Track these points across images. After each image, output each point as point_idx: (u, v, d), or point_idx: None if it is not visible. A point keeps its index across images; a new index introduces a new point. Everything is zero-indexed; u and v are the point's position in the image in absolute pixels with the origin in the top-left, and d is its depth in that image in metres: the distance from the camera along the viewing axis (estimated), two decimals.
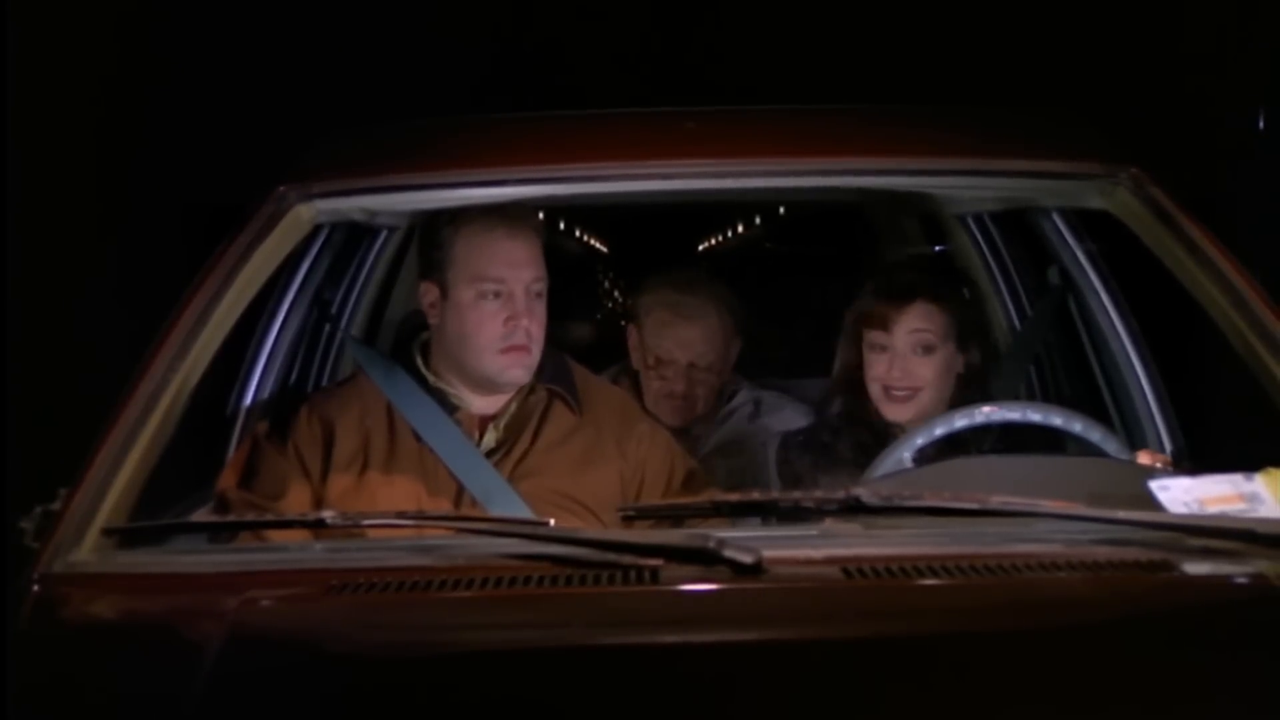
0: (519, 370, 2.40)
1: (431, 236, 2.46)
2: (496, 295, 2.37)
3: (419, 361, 2.48)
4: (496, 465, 2.37)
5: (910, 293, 2.56)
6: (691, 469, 2.56)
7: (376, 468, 2.36)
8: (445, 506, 2.32)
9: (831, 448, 2.60)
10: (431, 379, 2.45)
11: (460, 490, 2.34)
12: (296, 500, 2.33)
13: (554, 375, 2.49)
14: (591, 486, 2.40)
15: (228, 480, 2.38)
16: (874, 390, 2.57)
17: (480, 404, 2.44)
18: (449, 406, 2.42)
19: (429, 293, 2.45)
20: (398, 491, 2.33)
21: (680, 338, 3.08)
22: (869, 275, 2.75)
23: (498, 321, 2.37)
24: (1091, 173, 2.27)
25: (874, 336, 2.57)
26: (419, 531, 1.91)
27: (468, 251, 2.39)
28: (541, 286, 2.42)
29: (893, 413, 2.54)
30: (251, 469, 2.38)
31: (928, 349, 2.54)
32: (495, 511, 2.27)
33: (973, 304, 2.66)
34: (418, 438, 2.38)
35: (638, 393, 3.12)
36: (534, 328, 2.39)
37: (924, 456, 2.35)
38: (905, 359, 2.54)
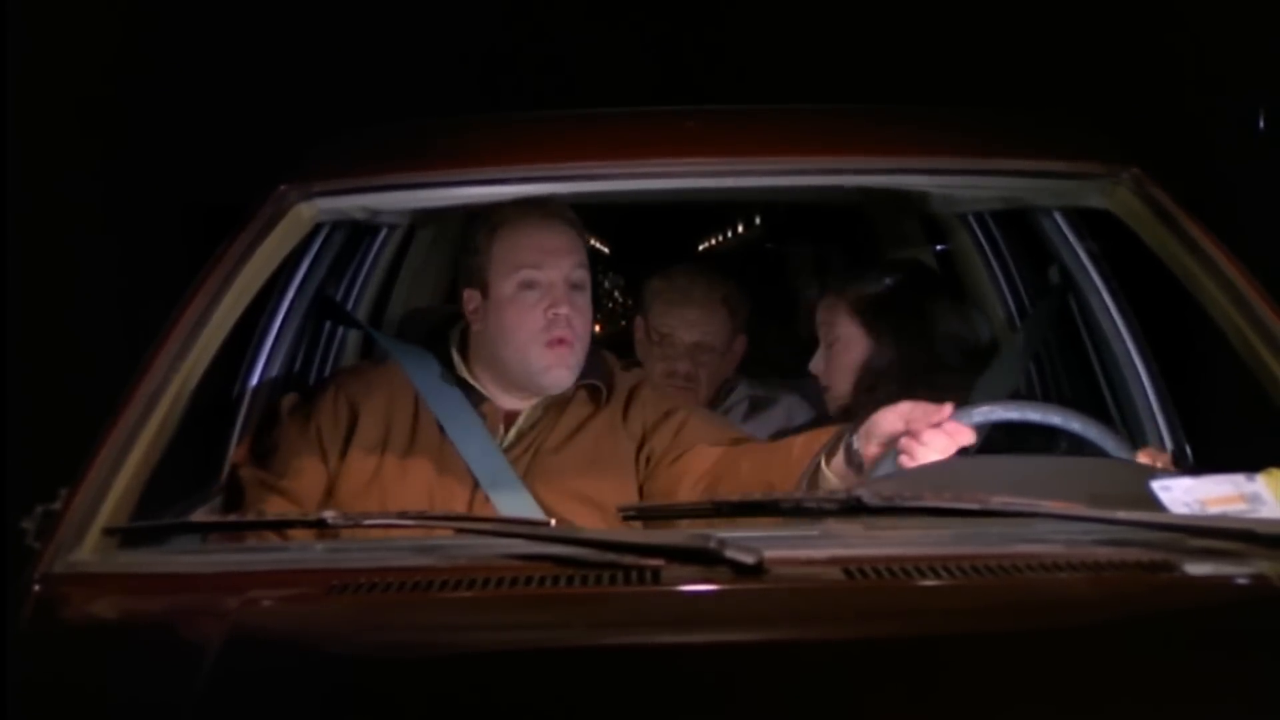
0: (562, 371, 2.36)
1: (469, 243, 2.44)
2: (534, 285, 2.35)
3: (454, 353, 2.46)
4: (515, 461, 2.36)
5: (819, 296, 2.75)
6: (689, 411, 2.50)
7: (395, 457, 2.35)
8: (457, 501, 2.31)
9: None
10: (462, 371, 2.43)
11: (474, 485, 2.33)
12: (309, 482, 2.32)
13: (588, 369, 2.44)
14: (609, 484, 2.37)
15: (242, 455, 2.38)
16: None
17: (508, 400, 2.43)
18: (476, 399, 2.41)
19: (471, 299, 2.42)
20: (411, 482, 2.33)
21: (686, 317, 3.13)
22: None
23: (538, 312, 2.34)
24: (1092, 172, 2.27)
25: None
26: (420, 531, 1.91)
27: (504, 248, 2.37)
28: (581, 276, 2.38)
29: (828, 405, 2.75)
30: (271, 444, 2.37)
31: (829, 343, 2.70)
32: (504, 509, 2.26)
33: (890, 299, 2.72)
34: (441, 431, 2.37)
35: None
36: (577, 320, 2.36)
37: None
38: (819, 355, 2.73)
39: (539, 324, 2.34)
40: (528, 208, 2.38)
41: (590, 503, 2.34)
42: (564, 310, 2.34)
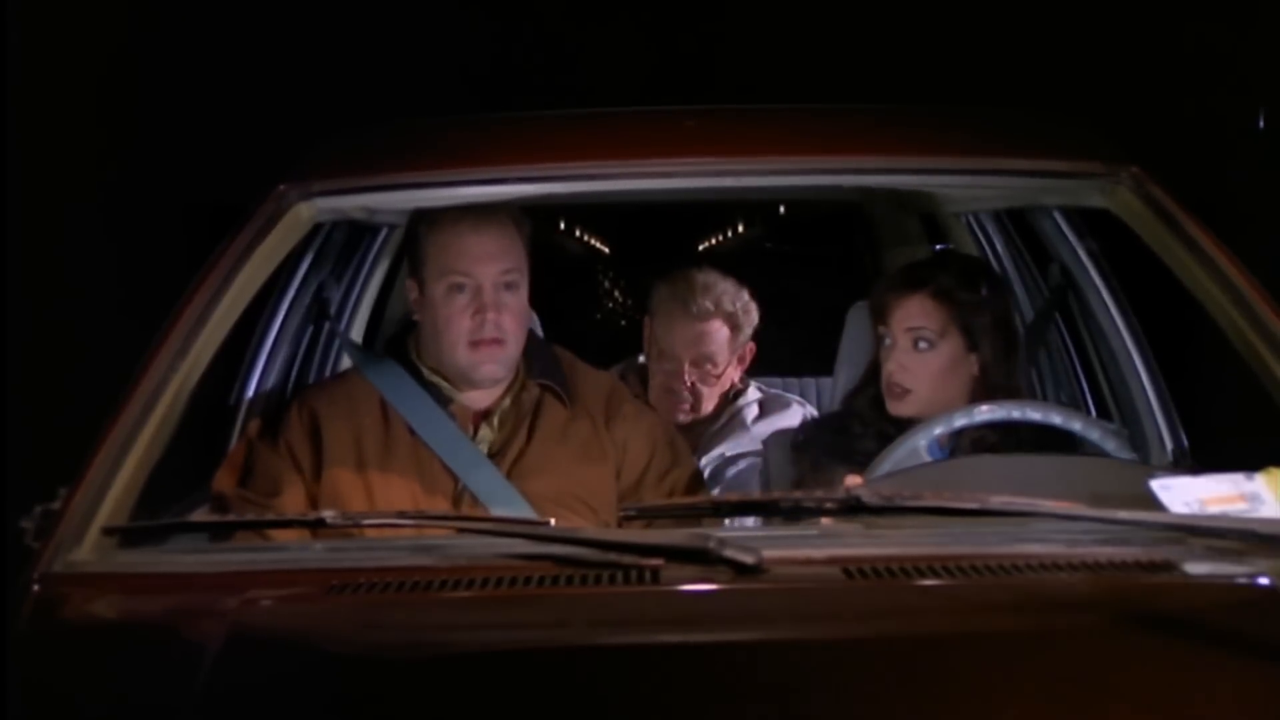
0: (492, 365, 2.39)
1: (412, 234, 2.49)
2: (462, 289, 2.38)
3: (413, 356, 2.48)
4: (495, 463, 2.36)
5: (908, 286, 2.49)
6: (677, 455, 2.51)
7: (372, 463, 2.35)
8: (442, 502, 2.32)
9: (857, 440, 2.51)
10: (425, 373, 2.45)
11: (457, 485, 2.33)
12: (292, 497, 2.32)
13: (543, 370, 2.48)
14: (590, 482, 2.39)
15: (224, 480, 2.37)
16: (883, 384, 2.51)
17: (473, 398, 2.44)
18: (443, 399, 2.42)
19: (412, 290, 2.48)
20: (393, 486, 2.33)
21: (685, 334, 3.07)
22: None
23: (465, 315, 2.37)
24: (1092, 172, 2.27)
25: (879, 329, 2.54)
26: (419, 531, 1.91)
27: (437, 247, 2.40)
28: (514, 278, 2.40)
29: (894, 408, 2.48)
30: (247, 467, 2.38)
31: (926, 344, 2.46)
32: (493, 507, 2.26)
33: (988, 303, 2.52)
34: (412, 432, 2.38)
35: (644, 389, 3.11)
36: (505, 321, 2.38)
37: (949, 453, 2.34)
38: (903, 354, 2.47)
39: (465, 327, 2.37)
40: (462, 207, 2.39)
41: (580, 500, 2.35)
42: (491, 315, 2.37)
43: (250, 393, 2.84)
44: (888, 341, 2.50)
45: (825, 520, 1.83)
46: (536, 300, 2.51)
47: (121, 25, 6.85)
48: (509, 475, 2.35)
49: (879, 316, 2.54)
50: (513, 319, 2.40)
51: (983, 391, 2.45)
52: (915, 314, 2.48)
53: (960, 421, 2.31)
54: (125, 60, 6.86)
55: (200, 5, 7.55)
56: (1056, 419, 2.30)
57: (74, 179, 6.31)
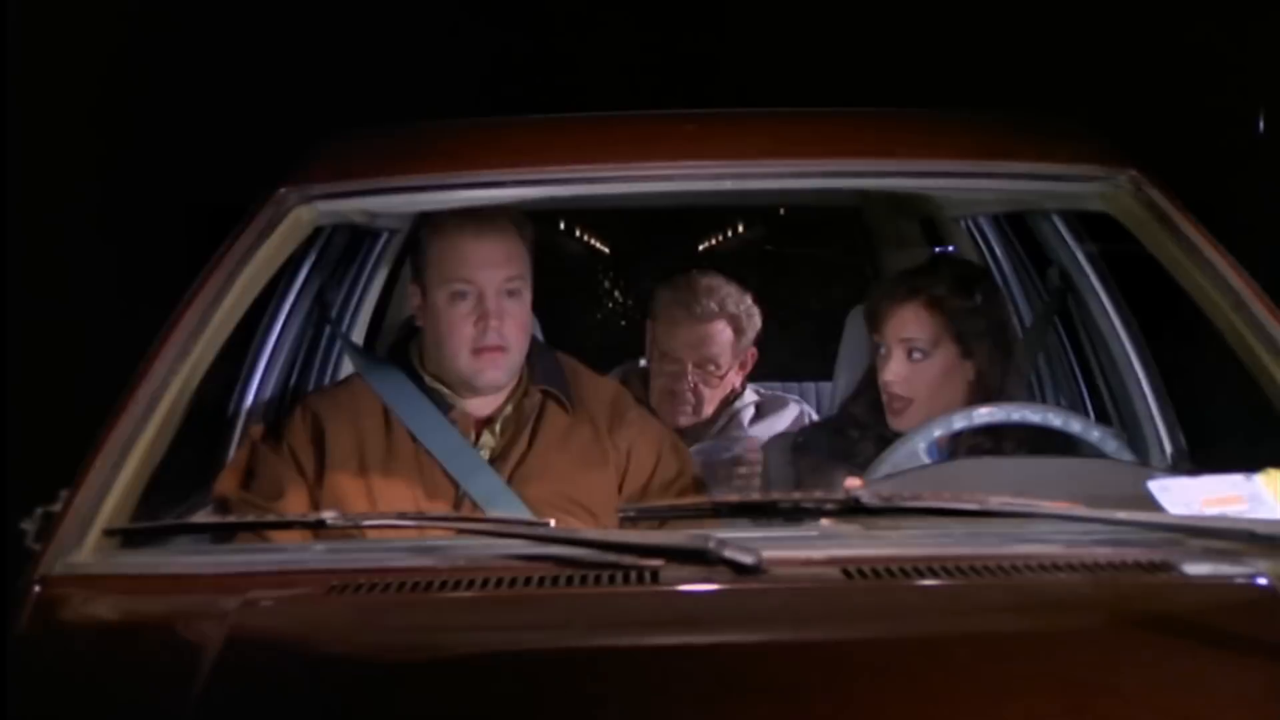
0: (495, 372, 2.40)
1: (415, 240, 2.49)
2: (465, 296, 2.38)
3: (415, 363, 2.48)
4: (496, 469, 2.37)
5: (900, 295, 2.47)
6: (683, 463, 2.53)
7: (373, 468, 2.36)
8: (443, 507, 2.32)
9: (855, 444, 2.51)
10: (427, 380, 2.45)
11: (457, 491, 2.34)
12: (294, 501, 2.33)
13: (546, 375, 2.49)
14: (592, 487, 2.39)
15: (227, 483, 2.38)
16: (882, 395, 2.50)
17: (475, 405, 2.44)
18: (444, 406, 2.42)
19: (414, 295, 2.48)
20: (395, 492, 2.33)
21: (688, 337, 3.07)
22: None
23: (468, 323, 2.37)
24: (1091, 174, 2.27)
25: (874, 337, 2.54)
26: (419, 532, 1.91)
27: (439, 253, 2.40)
28: (517, 285, 2.41)
29: (895, 423, 2.46)
30: (249, 471, 2.39)
31: (920, 354, 2.44)
32: (493, 512, 2.27)
33: (982, 309, 2.49)
34: (414, 439, 2.38)
35: (646, 392, 3.11)
36: (507, 328, 2.39)
37: (943, 456, 2.34)
38: (898, 363, 2.46)
39: (469, 334, 2.38)
40: (466, 214, 2.39)
41: (580, 505, 2.36)
42: (493, 322, 2.37)
43: (251, 395, 2.84)
44: (883, 350, 2.50)
45: (825, 521, 1.83)
46: (536, 301, 2.51)
47: (121, 25, 6.86)
48: (510, 481, 2.36)
49: (873, 325, 2.53)
50: (515, 326, 2.40)
51: (979, 398, 2.44)
52: (908, 324, 2.47)
53: (959, 424, 2.31)
54: (125, 60, 6.87)
55: (200, 6, 7.55)
56: (1055, 421, 2.30)
57: (74, 179, 6.32)
